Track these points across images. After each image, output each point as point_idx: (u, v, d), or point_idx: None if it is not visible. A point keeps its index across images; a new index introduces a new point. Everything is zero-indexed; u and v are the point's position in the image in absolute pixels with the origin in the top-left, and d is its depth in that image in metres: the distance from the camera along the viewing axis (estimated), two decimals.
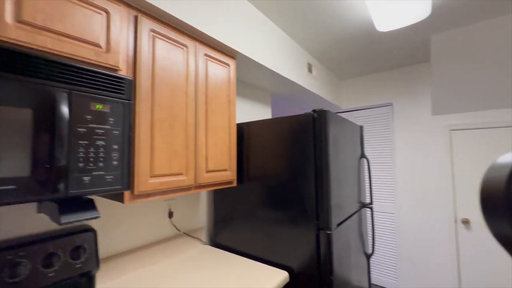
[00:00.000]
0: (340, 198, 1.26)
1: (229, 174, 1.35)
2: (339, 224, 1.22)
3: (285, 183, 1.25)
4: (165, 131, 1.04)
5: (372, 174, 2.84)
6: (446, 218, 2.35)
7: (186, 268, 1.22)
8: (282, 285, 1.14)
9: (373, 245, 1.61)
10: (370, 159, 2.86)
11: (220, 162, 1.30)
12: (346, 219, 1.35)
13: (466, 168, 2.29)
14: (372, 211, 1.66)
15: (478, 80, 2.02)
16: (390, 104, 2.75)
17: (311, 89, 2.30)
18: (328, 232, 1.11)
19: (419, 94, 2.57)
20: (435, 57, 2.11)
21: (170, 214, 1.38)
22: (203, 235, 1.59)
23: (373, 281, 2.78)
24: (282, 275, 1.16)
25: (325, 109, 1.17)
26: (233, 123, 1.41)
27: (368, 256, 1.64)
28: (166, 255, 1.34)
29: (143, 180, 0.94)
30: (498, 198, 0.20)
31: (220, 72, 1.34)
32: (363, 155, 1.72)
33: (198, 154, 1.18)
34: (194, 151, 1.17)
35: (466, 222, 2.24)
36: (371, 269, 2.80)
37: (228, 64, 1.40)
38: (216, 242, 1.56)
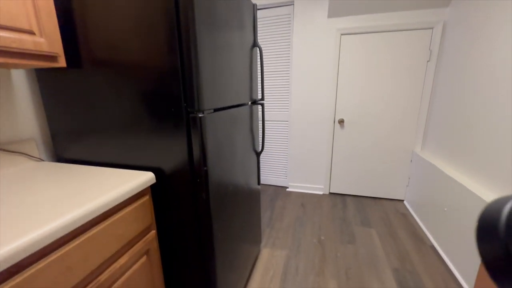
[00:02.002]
0: (221, 84, 1.01)
1: (42, 43, 0.82)
2: (217, 110, 1.00)
3: (146, 65, 0.86)
4: None
5: (269, 81, 2.78)
6: (328, 119, 2.64)
7: (12, 188, 0.78)
8: (146, 186, 0.90)
9: (262, 142, 1.56)
10: (269, 67, 2.73)
11: (13, 14, 0.74)
12: (229, 107, 1.15)
13: (347, 74, 2.48)
14: (263, 107, 1.54)
15: None
16: (291, 4, 2.50)
17: None
18: (200, 115, 0.86)
19: None
20: None
21: None
22: (34, 150, 1.09)
23: (267, 181, 3.10)
24: (145, 176, 0.90)
25: None
26: None
27: (258, 154, 1.61)
28: None
29: None
30: (496, 222, 0.21)
31: None
32: (255, 44, 1.46)
33: None
34: None
35: (341, 121, 2.57)
36: (266, 172, 3.07)
37: None
38: (61, 157, 1.12)
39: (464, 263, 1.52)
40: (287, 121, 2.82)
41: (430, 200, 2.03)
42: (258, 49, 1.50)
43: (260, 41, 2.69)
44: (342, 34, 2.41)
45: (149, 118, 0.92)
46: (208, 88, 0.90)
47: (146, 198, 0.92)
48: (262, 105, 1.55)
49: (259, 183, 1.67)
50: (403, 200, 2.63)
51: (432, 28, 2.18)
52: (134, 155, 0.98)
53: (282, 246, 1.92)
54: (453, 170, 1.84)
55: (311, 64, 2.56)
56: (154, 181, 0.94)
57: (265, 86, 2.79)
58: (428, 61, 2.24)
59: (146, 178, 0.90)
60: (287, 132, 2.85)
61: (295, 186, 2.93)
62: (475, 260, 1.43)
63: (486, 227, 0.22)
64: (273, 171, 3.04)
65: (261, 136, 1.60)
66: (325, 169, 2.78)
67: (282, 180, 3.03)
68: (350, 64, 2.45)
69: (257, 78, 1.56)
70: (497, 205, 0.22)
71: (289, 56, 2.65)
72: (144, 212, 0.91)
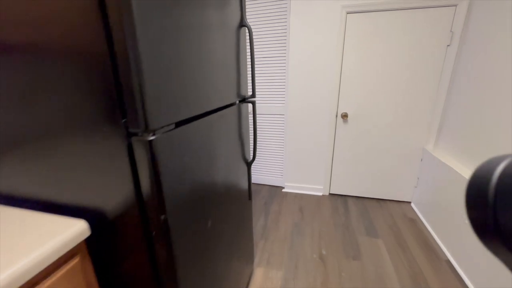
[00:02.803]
0: (190, 84, 0.67)
1: None
2: (183, 123, 0.67)
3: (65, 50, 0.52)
4: None
5: (262, 69, 2.42)
6: (329, 113, 2.32)
7: None
8: (75, 243, 0.59)
9: (254, 150, 1.25)
10: (262, 52, 2.36)
11: None
12: (207, 114, 0.82)
13: (353, 60, 2.14)
14: (254, 106, 1.21)
15: None
16: None
17: None
18: (150, 138, 0.54)
19: None
20: None
21: None
22: None
23: (261, 181, 2.82)
24: (72, 229, 0.59)
25: None
26: None
27: (249, 164, 1.31)
28: None
29: None
30: (487, 187, 0.19)
31: None
32: (243, 23, 1.11)
33: None
34: None
35: (344, 116, 2.26)
36: (260, 170, 2.78)
37: None
38: None
39: (487, 283, 1.30)
40: (282, 114, 2.50)
41: (443, 205, 1.79)
42: (247, 30, 1.14)
43: (250, 21, 2.29)
44: (348, 13, 2.04)
45: (73, 137, 0.59)
46: (165, 92, 0.57)
47: (77, 260, 0.61)
48: (253, 103, 1.22)
49: (250, 197, 1.38)
50: (410, 202, 2.40)
51: (455, 5, 1.83)
52: (60, 188, 0.66)
53: (278, 264, 1.67)
54: (471, 172, 1.57)
55: (311, 49, 2.20)
56: (87, 233, 0.63)
57: (257, 76, 2.43)
58: (448, 45, 1.91)
59: (73, 232, 0.58)
60: (282, 127, 2.54)
61: (292, 187, 2.66)
62: (500, 280, 1.20)
63: (475, 191, 0.21)
64: (267, 169, 2.75)
65: (252, 142, 1.28)
66: (325, 168, 2.50)
67: (278, 180, 2.75)
68: (356, 49, 2.10)
69: (246, 68, 1.22)
70: (489, 166, 0.20)
71: (285, 40, 2.27)
72: (75, 283, 0.60)
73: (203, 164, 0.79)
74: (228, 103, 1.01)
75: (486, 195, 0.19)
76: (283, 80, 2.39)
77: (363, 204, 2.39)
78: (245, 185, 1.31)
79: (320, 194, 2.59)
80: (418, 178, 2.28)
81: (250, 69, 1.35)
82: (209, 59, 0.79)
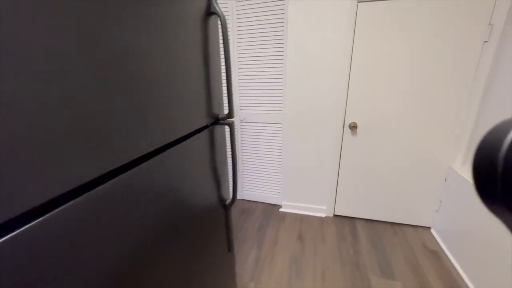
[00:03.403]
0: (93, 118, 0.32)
1: None
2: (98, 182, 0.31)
3: None
4: None
5: (253, 70, 2.05)
6: (335, 122, 1.96)
7: None
8: None
9: (234, 188, 0.90)
10: (252, 49, 1.99)
11: None
12: (145, 158, 0.47)
13: (365, 59, 1.76)
14: (232, 129, 0.86)
15: None
16: None
17: None
18: None
19: None
20: None
21: None
22: None
23: (255, 197, 2.47)
24: None
25: None
26: None
27: (227, 207, 0.95)
28: None
29: None
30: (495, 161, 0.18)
31: None
32: (212, 10, 0.74)
33: None
34: None
35: (353, 126, 1.89)
36: (254, 185, 2.43)
37: None
38: None
39: None
40: (279, 123, 2.13)
41: (472, 235, 1.43)
42: (219, 19, 0.78)
43: (237, 11, 1.92)
44: (359, 1, 1.66)
45: None
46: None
47: None
48: (231, 125, 0.86)
49: (230, 248, 1.02)
50: (429, 228, 2.03)
51: None
52: None
53: None
54: None
55: (313, 47, 1.83)
56: None
57: (249, 78, 2.07)
58: (485, 41, 1.53)
59: None
60: (279, 138, 2.18)
61: (291, 206, 2.31)
62: None
63: (483, 158, 0.19)
64: (263, 185, 2.39)
65: (231, 178, 0.91)
66: (329, 185, 2.14)
67: (274, 197, 2.39)
68: (369, 46, 1.72)
69: (220, 75, 0.86)
70: (501, 130, 0.18)
71: (282, 36, 1.90)
72: None
73: (154, 223, 0.43)
74: (191, 130, 0.65)
75: (496, 162, 0.18)
76: (280, 84, 2.02)
77: (375, 230, 2.03)
78: (222, 233, 0.96)
79: (323, 215, 2.23)
80: (440, 201, 1.91)
81: (225, 75, 0.97)
82: (145, 71, 0.43)
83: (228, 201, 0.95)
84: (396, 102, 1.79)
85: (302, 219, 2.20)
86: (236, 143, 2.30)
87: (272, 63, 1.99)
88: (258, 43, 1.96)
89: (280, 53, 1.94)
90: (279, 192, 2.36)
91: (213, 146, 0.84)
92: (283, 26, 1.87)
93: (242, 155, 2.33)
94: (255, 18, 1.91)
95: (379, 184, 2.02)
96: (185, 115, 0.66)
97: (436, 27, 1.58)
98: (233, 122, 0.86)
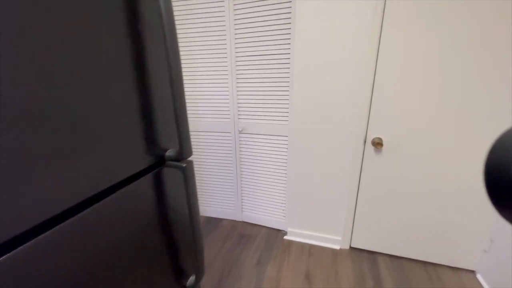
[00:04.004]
0: None
1: None
2: None
3: None
4: None
5: (256, 75, 1.70)
6: (353, 137, 1.57)
7: None
8: None
9: (198, 256, 0.56)
10: (255, 52, 1.64)
11: None
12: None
13: (394, 62, 1.37)
14: (186, 173, 0.52)
15: None
16: None
17: None
18: None
19: None
20: None
21: None
22: None
23: (257, 220, 2.12)
24: None
25: None
26: None
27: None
28: None
29: None
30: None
31: None
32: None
33: None
34: None
35: (378, 143, 1.50)
36: (254, 207, 2.08)
37: None
38: None
39: None
40: (285, 136, 1.78)
41: None
42: (160, 3, 0.44)
43: (238, 6, 1.58)
44: None
45: None
46: None
47: None
48: (184, 170, 0.52)
49: None
50: (474, 272, 1.60)
51: None
52: None
53: None
54: None
55: (327, 45, 1.45)
56: None
57: (248, 81, 1.72)
58: None
59: None
60: (284, 152, 1.82)
61: (298, 234, 1.94)
62: None
63: (496, 164, 0.19)
64: (265, 206, 2.04)
65: (194, 247, 0.57)
66: (345, 211, 1.76)
67: (279, 221, 2.04)
68: (400, 45, 1.33)
69: (165, 86, 0.52)
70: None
71: (289, 31, 1.54)
72: None
73: None
74: (120, 178, 0.33)
75: (509, 168, 0.18)
76: (286, 88, 1.66)
77: (402, 270, 1.62)
78: None
79: (337, 247, 1.85)
80: (491, 240, 1.48)
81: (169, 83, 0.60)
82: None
83: (191, 284, 0.61)
84: (435, 115, 1.38)
85: (311, 251, 1.83)
86: (235, 155, 1.96)
87: (275, 64, 1.63)
88: (260, 40, 1.61)
89: (285, 53, 1.58)
90: (284, 216, 2.00)
91: (161, 196, 0.51)
92: (289, 19, 1.51)
93: (241, 170, 2.00)
94: (250, 7, 1.56)
95: (409, 213, 1.62)
96: (119, 152, 0.33)
97: (488, 18, 1.16)
98: (189, 164, 0.52)
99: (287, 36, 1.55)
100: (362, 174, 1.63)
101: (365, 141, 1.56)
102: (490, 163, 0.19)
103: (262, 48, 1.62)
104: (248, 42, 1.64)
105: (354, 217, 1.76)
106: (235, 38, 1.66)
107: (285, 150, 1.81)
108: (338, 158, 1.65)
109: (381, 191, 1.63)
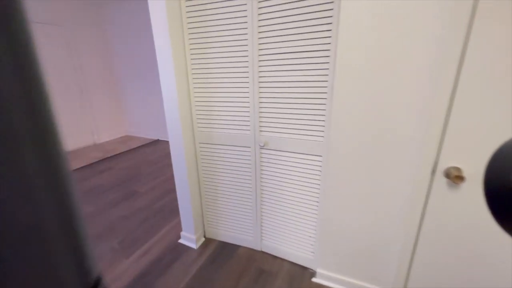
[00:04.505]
0: None
1: None
2: None
3: None
4: None
5: (278, 78, 1.34)
6: (417, 165, 1.15)
7: None
8: None
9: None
10: (277, 50, 1.29)
11: None
12: None
13: (488, 61, 0.93)
14: None
15: None
16: None
17: None
18: None
19: None
20: None
21: None
22: None
23: (277, 252, 1.76)
24: None
25: None
26: None
27: None
28: None
29: None
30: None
31: None
32: None
33: None
34: None
35: (457, 176, 1.05)
36: (274, 236, 1.72)
37: None
38: None
39: None
40: (319, 155, 1.40)
41: None
42: None
43: (259, 2, 1.24)
44: None
45: None
46: None
47: None
48: None
49: None
50: None
51: None
52: None
53: None
54: None
55: (384, 39, 1.05)
56: None
57: (268, 88, 1.37)
58: None
59: None
60: (317, 176, 1.44)
61: (330, 278, 1.54)
62: None
63: (496, 172, 0.18)
64: (289, 237, 1.68)
65: None
66: (398, 257, 1.33)
67: (306, 258, 1.66)
68: (496, 41, 0.89)
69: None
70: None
71: (330, 27, 1.17)
72: None
73: None
74: None
75: (509, 178, 0.17)
76: (323, 96, 1.29)
77: None
78: None
79: None
80: None
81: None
82: None
83: None
84: None
85: None
86: (255, 173, 1.62)
87: (308, 64, 1.26)
88: (289, 33, 1.26)
89: (324, 49, 1.21)
90: (312, 252, 1.62)
91: None
92: (331, 15, 1.14)
93: (262, 192, 1.65)
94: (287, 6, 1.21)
95: (492, 271, 1.15)
96: None
97: None
98: None
99: (328, 27, 1.18)
100: (425, 213, 1.19)
101: (433, 170, 1.12)
102: (490, 172, 0.19)
103: (291, 44, 1.26)
104: (276, 36, 1.29)
105: (410, 263, 1.32)
106: (258, 32, 1.32)
107: (318, 172, 1.43)
108: (389, 188, 1.23)
109: (452, 240, 1.18)
